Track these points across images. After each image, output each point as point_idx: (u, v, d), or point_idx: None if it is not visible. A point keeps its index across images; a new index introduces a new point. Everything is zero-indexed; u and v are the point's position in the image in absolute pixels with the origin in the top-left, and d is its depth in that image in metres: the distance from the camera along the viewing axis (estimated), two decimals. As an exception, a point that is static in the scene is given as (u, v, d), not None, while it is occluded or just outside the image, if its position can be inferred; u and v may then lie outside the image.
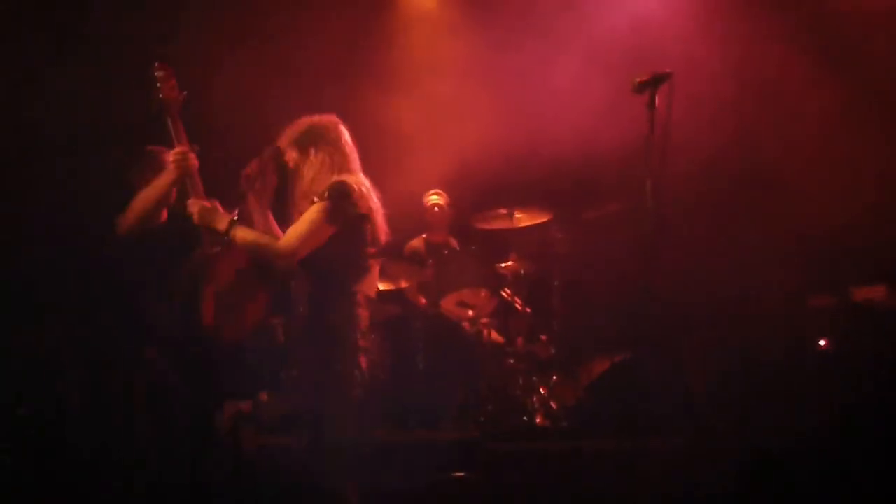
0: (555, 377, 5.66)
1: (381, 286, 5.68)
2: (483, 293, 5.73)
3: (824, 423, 5.06)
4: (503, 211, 5.77)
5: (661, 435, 4.72)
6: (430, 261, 5.82)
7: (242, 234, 3.48)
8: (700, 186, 5.70)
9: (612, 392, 5.21)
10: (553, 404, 5.44)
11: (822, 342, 5.45)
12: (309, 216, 3.42)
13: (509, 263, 5.74)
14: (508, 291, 5.81)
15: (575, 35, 5.93)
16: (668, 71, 3.67)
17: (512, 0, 6.12)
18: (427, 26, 6.44)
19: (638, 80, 3.70)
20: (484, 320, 5.73)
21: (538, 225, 5.84)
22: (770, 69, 5.86)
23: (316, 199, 3.44)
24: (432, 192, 6.13)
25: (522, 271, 5.75)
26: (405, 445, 4.84)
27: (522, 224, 5.81)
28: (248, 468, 4.60)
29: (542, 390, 5.49)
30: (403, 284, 5.82)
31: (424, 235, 6.23)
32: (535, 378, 5.54)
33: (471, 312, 5.73)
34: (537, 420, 5.35)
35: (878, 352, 5.49)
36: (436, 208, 6.07)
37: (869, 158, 5.63)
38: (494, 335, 5.76)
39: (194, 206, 3.56)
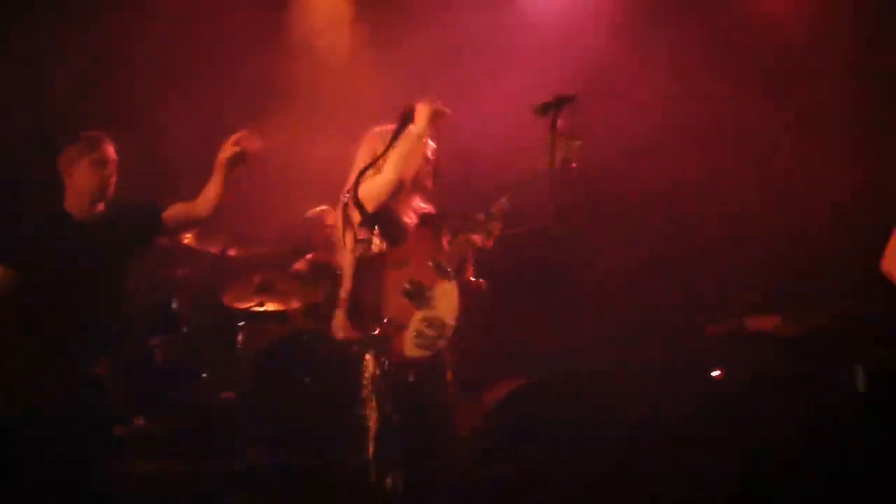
0: (453, 402, 5.51)
1: (271, 307, 5.43)
2: (377, 315, 5.55)
3: (720, 448, 5.13)
4: (402, 228, 5.59)
5: (561, 460, 4.69)
6: (321, 281, 5.59)
7: None
8: (602, 209, 5.69)
9: (512, 418, 5.11)
10: (449, 431, 5.28)
11: (715, 372, 5.52)
12: None
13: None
14: (407, 313, 5.62)
15: (481, 52, 5.88)
16: (571, 94, 3.64)
17: (413, 12, 6.00)
18: (323, 43, 6.25)
19: (541, 102, 3.65)
20: (379, 343, 5.53)
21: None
22: (676, 92, 5.93)
23: None
24: (318, 209, 5.92)
25: (424, 292, 5.57)
26: (287, 471, 4.75)
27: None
28: (121, 495, 4.34)
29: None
30: (293, 305, 5.57)
31: (310, 256, 5.99)
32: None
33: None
34: (432, 447, 5.19)
35: (770, 381, 5.62)
36: (320, 226, 5.85)
37: (769, 184, 5.76)
38: (388, 360, 5.57)
39: None
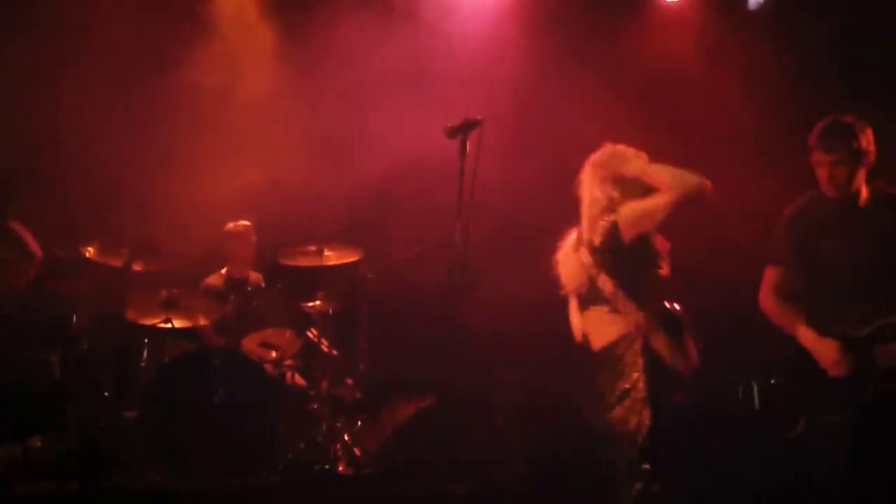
0: (360, 422, 5.49)
1: (177, 322, 5.30)
2: (288, 333, 5.51)
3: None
4: (312, 248, 5.57)
5: (464, 482, 4.71)
6: (232, 297, 5.51)
7: None
8: (508, 230, 5.79)
9: (418, 438, 5.12)
10: (357, 451, 5.26)
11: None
12: None
13: (317, 303, 5.53)
14: (315, 332, 5.58)
15: (395, 75, 5.93)
16: (479, 118, 3.71)
17: (328, 35, 6.00)
18: (242, 55, 6.18)
19: (450, 124, 3.71)
20: (288, 362, 5.50)
21: (348, 264, 5.69)
22: (582, 120, 6.09)
23: None
24: (235, 223, 5.84)
25: (330, 311, 5.54)
26: (196, 491, 4.59)
27: (332, 262, 5.63)
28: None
29: (345, 436, 5.29)
30: (201, 321, 5.44)
31: (224, 270, 5.91)
32: (339, 423, 5.34)
33: (274, 353, 5.48)
34: (340, 468, 5.16)
35: (670, 396, 5.79)
36: (242, 240, 5.78)
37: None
38: (298, 378, 5.52)
39: None
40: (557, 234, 5.90)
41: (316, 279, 5.61)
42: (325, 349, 5.55)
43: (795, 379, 3.74)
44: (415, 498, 4.88)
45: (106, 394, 5.13)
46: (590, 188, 3.61)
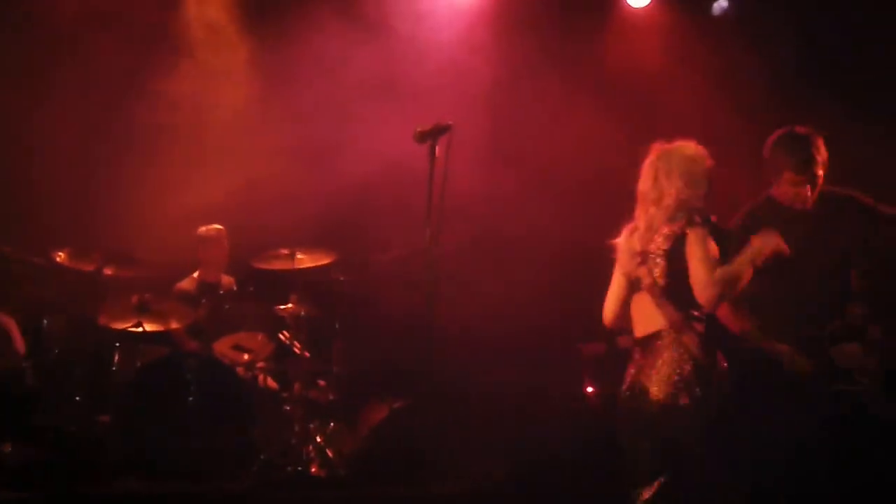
0: (332, 424, 5.51)
1: (149, 327, 5.31)
2: (260, 337, 5.53)
3: (601, 465, 5.31)
4: (285, 251, 5.59)
5: (439, 482, 4.75)
6: (204, 301, 5.52)
7: None
8: (480, 234, 5.85)
9: (391, 439, 5.16)
10: (330, 452, 5.29)
11: (589, 388, 5.73)
12: None
13: (289, 306, 5.55)
14: (287, 335, 5.60)
15: (370, 82, 5.97)
16: (448, 123, 3.75)
17: (303, 43, 6.03)
18: (216, 63, 6.19)
19: (419, 129, 3.75)
20: (260, 365, 5.51)
21: (321, 267, 5.71)
22: (555, 124, 6.18)
23: None
24: (208, 227, 5.85)
25: (303, 314, 5.56)
26: (169, 496, 4.59)
27: (305, 265, 5.65)
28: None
29: (318, 438, 5.32)
30: (174, 325, 5.45)
31: (196, 274, 5.91)
32: (312, 425, 5.37)
33: (246, 356, 5.49)
34: (312, 469, 5.18)
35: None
36: (215, 244, 5.79)
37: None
38: (270, 381, 5.55)
39: None
40: (532, 236, 6.04)
41: (289, 282, 5.63)
42: (298, 351, 5.57)
43: (754, 380, 3.71)
44: (388, 499, 4.93)
45: (78, 399, 5.13)
46: (652, 178, 3.43)
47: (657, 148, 3.47)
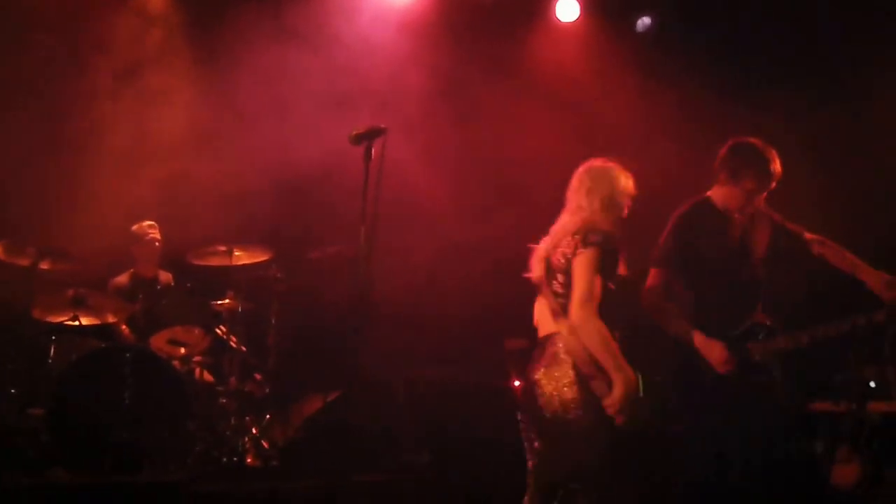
0: (268, 416, 5.63)
1: (85, 321, 5.35)
2: (196, 331, 5.60)
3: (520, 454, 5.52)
4: (222, 247, 5.69)
5: (370, 472, 4.91)
6: (140, 296, 5.58)
7: None
8: (413, 233, 6.03)
9: (324, 431, 5.29)
10: (265, 444, 5.41)
11: (515, 382, 5.96)
12: None
13: (226, 301, 5.66)
14: (224, 329, 5.71)
15: (308, 76, 6.06)
16: (383, 126, 3.92)
17: (241, 44, 6.12)
18: (149, 59, 6.23)
19: (354, 132, 3.91)
20: (197, 358, 5.59)
21: (258, 264, 5.83)
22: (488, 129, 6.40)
23: None
24: (144, 223, 5.91)
25: (240, 309, 5.68)
26: (102, 488, 4.58)
27: (242, 262, 5.76)
28: None
29: (253, 430, 5.43)
30: (110, 319, 5.50)
31: (132, 269, 5.97)
32: (247, 417, 5.48)
33: (183, 350, 5.56)
34: (248, 460, 5.29)
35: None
36: (146, 240, 5.85)
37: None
38: (206, 374, 5.64)
39: None
40: (463, 235, 6.23)
41: (226, 278, 5.74)
42: (234, 345, 5.68)
43: (679, 379, 3.94)
44: (321, 488, 5.05)
45: (13, 391, 5.14)
46: (576, 189, 3.57)
47: (590, 163, 3.61)
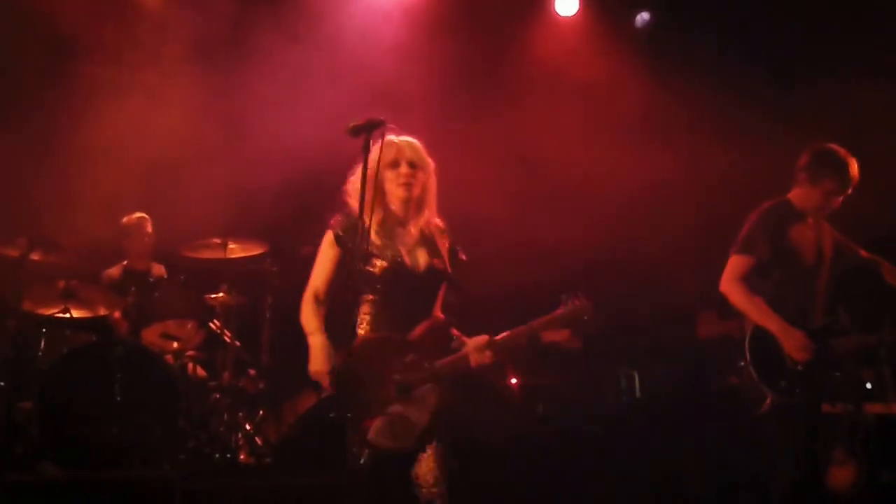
0: (262, 412, 5.58)
1: (77, 313, 5.28)
2: (190, 325, 5.54)
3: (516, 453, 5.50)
4: (216, 241, 5.62)
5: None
6: (133, 288, 5.51)
7: None
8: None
9: (318, 428, 5.24)
10: (258, 440, 5.35)
11: (513, 380, 5.94)
12: None
13: (220, 295, 5.59)
14: (218, 324, 5.65)
15: (308, 72, 6.02)
16: (382, 119, 3.85)
17: (239, 40, 6.07)
18: (145, 49, 6.16)
19: (352, 124, 3.83)
20: (189, 353, 5.53)
21: (253, 257, 5.77)
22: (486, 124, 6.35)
23: None
24: (135, 215, 5.84)
25: (234, 303, 5.61)
26: (93, 484, 4.50)
27: (236, 255, 5.70)
28: None
29: (247, 426, 5.38)
30: (101, 312, 5.43)
31: (125, 262, 5.90)
32: (241, 413, 5.41)
33: (175, 344, 5.50)
34: (241, 457, 5.24)
35: (561, 386, 6.12)
36: (138, 233, 5.78)
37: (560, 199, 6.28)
38: (199, 369, 5.57)
39: None
40: (463, 232, 6.16)
41: (220, 272, 5.67)
42: (228, 340, 5.62)
43: (756, 363, 4.10)
44: (315, 486, 5.00)
45: (2, 384, 5.06)
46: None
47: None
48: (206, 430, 5.29)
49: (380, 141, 3.80)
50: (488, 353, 3.39)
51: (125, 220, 5.84)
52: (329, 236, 3.60)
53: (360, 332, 3.44)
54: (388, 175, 3.59)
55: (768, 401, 4.07)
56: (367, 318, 3.47)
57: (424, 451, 3.30)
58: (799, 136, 5.39)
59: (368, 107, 3.86)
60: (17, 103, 5.84)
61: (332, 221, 3.66)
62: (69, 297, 5.26)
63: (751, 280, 4.20)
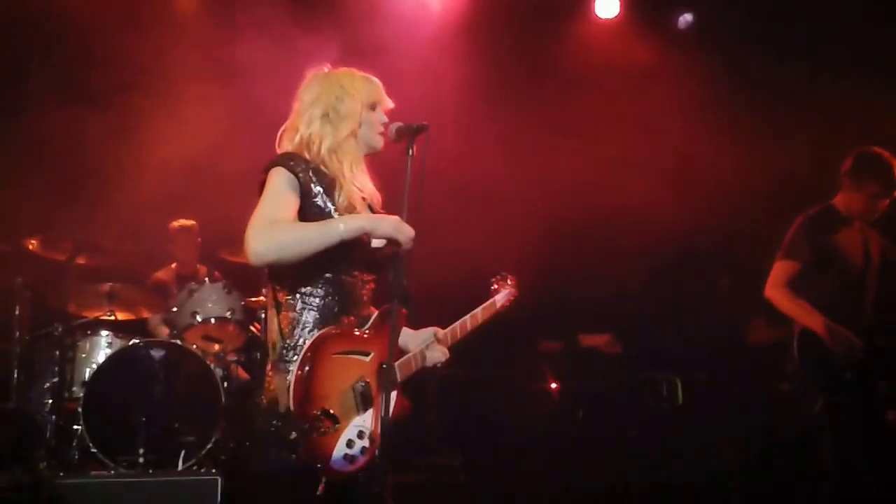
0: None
1: (121, 316, 5.34)
2: (231, 327, 5.55)
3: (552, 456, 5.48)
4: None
5: (401, 473, 4.85)
6: (176, 291, 5.56)
7: None
8: (458, 231, 5.98)
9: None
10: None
11: (553, 384, 5.92)
12: None
13: (261, 298, 5.61)
14: (259, 326, 5.67)
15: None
16: (425, 123, 3.84)
17: (268, 36, 6.09)
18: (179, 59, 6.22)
19: (397, 126, 3.83)
20: (231, 356, 5.55)
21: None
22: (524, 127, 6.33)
23: None
24: (181, 222, 5.90)
25: (274, 306, 5.62)
26: (137, 485, 4.49)
27: (276, 258, 5.70)
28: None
29: (286, 429, 5.37)
30: (144, 315, 5.50)
31: (174, 265, 5.96)
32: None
33: (217, 347, 5.53)
34: (280, 459, 5.23)
35: (601, 392, 6.08)
36: (183, 239, 5.83)
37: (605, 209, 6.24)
38: (241, 372, 5.60)
39: None
40: (501, 235, 6.15)
41: (261, 275, 5.67)
42: (269, 343, 5.61)
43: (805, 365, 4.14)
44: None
45: (47, 386, 5.13)
46: None
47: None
48: (246, 434, 5.30)
49: (423, 145, 3.80)
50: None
51: (174, 225, 5.91)
52: None
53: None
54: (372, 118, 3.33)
55: (820, 403, 4.04)
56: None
57: None
58: (844, 140, 5.35)
59: (410, 113, 3.87)
60: (65, 110, 5.93)
61: None
62: (113, 300, 5.34)
63: (797, 285, 4.22)
